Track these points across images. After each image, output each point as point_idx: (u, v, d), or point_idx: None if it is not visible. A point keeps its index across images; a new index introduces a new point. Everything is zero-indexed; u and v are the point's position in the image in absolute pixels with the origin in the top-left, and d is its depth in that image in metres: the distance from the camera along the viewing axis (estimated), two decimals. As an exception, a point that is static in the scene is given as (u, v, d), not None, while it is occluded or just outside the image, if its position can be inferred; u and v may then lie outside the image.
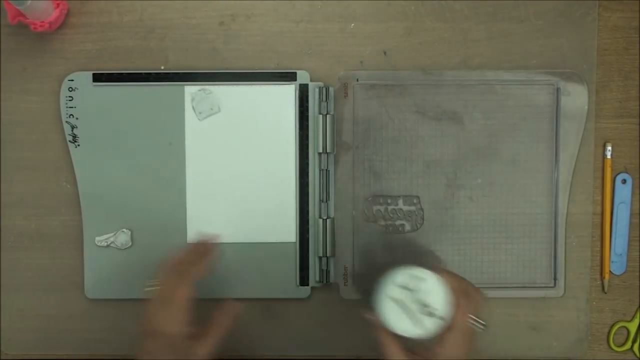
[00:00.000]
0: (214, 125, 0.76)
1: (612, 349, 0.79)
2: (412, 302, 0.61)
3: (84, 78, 0.76)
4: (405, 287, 0.61)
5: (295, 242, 0.76)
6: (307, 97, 0.76)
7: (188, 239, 0.77)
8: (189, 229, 0.76)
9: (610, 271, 0.79)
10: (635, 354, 0.79)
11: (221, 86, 0.76)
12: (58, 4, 0.74)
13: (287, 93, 0.76)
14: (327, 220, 0.76)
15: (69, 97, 0.76)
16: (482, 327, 0.62)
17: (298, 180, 0.76)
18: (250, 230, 0.76)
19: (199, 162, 0.76)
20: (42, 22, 0.73)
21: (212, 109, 0.75)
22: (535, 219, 0.77)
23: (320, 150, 0.76)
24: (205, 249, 0.70)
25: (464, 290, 0.62)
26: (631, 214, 0.78)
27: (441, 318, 0.60)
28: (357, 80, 0.77)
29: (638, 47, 0.78)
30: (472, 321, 0.62)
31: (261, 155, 0.76)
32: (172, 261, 0.66)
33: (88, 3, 0.76)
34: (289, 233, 0.76)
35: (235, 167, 0.76)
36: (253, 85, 0.76)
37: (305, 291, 0.77)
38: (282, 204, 0.76)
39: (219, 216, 0.76)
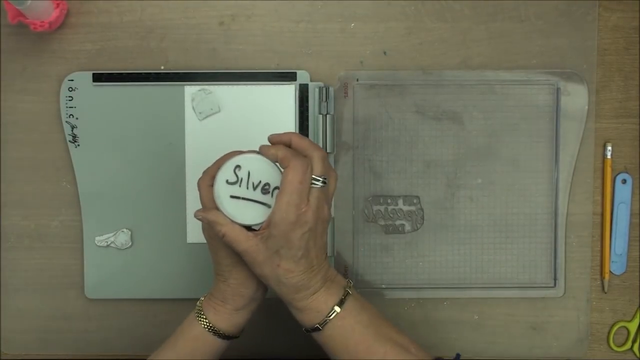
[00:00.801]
0: (214, 125, 0.76)
1: (612, 349, 0.79)
2: (247, 190, 0.59)
3: (84, 78, 0.76)
4: (234, 181, 0.60)
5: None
6: (307, 97, 0.76)
7: (188, 239, 0.77)
8: (188, 229, 0.76)
9: (610, 271, 0.79)
10: (635, 354, 0.79)
11: (221, 86, 0.76)
12: (58, 4, 0.74)
13: (287, 93, 0.76)
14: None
15: (69, 97, 0.76)
16: (323, 184, 0.59)
17: (298, 180, 0.76)
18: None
19: (199, 162, 0.76)
20: (42, 22, 0.73)
21: (212, 109, 0.75)
22: (535, 219, 0.77)
23: (320, 150, 0.76)
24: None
25: (293, 154, 0.58)
26: (631, 214, 0.78)
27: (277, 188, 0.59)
28: (357, 80, 0.77)
29: (638, 47, 0.78)
30: (310, 180, 0.59)
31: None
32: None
33: (88, 3, 0.76)
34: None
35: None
36: (253, 85, 0.76)
37: (305, 291, 0.77)
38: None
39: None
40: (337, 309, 0.61)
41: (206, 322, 0.64)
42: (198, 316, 0.64)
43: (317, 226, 0.59)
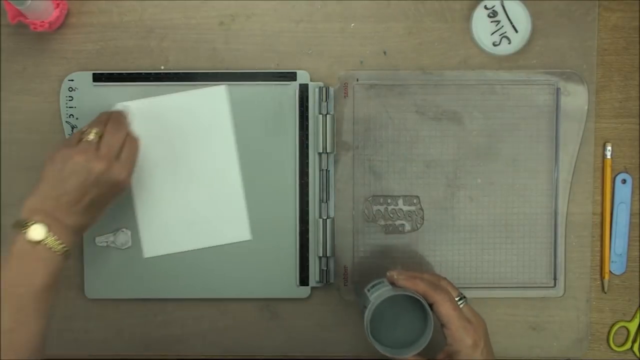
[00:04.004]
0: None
1: (612, 349, 0.79)
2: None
3: (84, 78, 0.76)
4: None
5: (295, 242, 0.76)
6: (307, 97, 0.76)
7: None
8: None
9: (610, 271, 0.79)
10: (635, 354, 0.79)
11: (221, 86, 0.76)
12: (58, 4, 0.74)
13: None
14: (327, 220, 0.76)
15: (69, 97, 0.76)
16: (465, 300, 0.66)
17: (298, 180, 0.76)
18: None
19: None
20: (42, 22, 0.73)
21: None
22: (535, 219, 0.77)
23: (320, 150, 0.76)
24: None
25: (432, 287, 0.64)
26: (631, 214, 0.78)
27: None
28: (357, 80, 0.77)
29: (638, 47, 0.78)
30: (458, 303, 0.65)
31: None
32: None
33: (88, 3, 0.76)
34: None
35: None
36: (253, 85, 0.76)
37: (305, 291, 0.77)
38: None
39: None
40: None
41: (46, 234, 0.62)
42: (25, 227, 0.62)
43: (486, 331, 0.66)
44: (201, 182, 0.75)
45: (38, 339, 0.62)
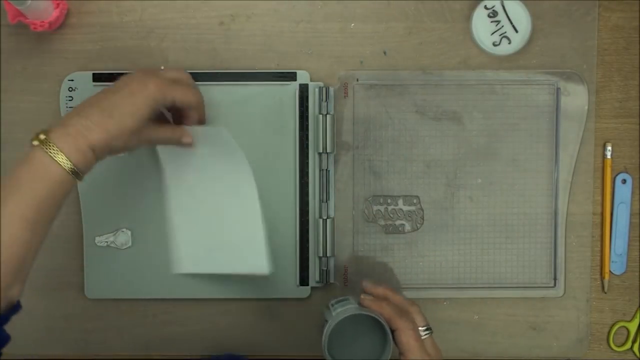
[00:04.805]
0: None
1: (612, 349, 0.79)
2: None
3: (84, 78, 0.76)
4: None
5: (295, 242, 0.76)
6: (307, 97, 0.76)
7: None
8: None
9: (610, 271, 0.79)
10: (635, 354, 0.79)
11: (221, 86, 0.76)
12: (58, 4, 0.74)
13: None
14: (327, 220, 0.76)
15: (69, 97, 0.76)
16: (430, 332, 0.65)
17: (298, 180, 0.76)
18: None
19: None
20: (42, 22, 0.73)
21: None
22: (535, 219, 0.77)
23: (320, 150, 0.76)
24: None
25: (398, 313, 0.64)
26: (631, 214, 0.78)
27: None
28: (357, 80, 0.77)
29: (638, 47, 0.78)
30: (421, 334, 0.64)
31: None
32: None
33: (88, 3, 0.76)
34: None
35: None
36: (253, 85, 0.76)
37: (305, 291, 0.77)
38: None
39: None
40: None
41: (59, 155, 0.58)
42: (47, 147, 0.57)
43: None
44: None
45: (22, 255, 0.56)
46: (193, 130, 0.68)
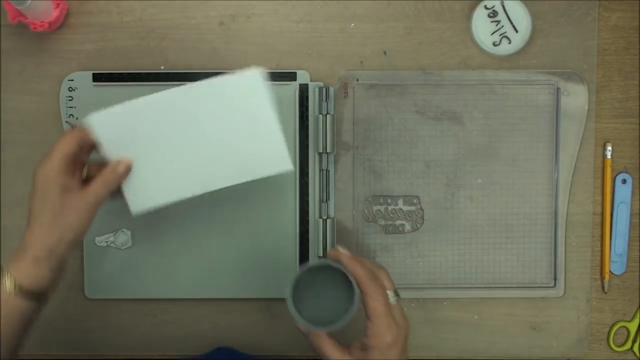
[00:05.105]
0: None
1: (612, 349, 0.79)
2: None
3: (84, 78, 0.76)
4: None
5: (295, 242, 0.76)
6: (307, 97, 0.76)
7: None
8: (189, 229, 0.76)
9: (610, 271, 0.79)
10: (635, 354, 0.79)
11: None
12: (58, 4, 0.74)
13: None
14: (327, 220, 0.76)
15: (69, 97, 0.76)
16: (398, 298, 0.63)
17: (298, 180, 0.76)
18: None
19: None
20: (42, 22, 0.73)
21: None
22: (535, 219, 0.77)
23: (320, 150, 0.76)
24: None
25: (369, 276, 0.61)
26: (631, 214, 0.78)
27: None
28: (357, 80, 0.77)
29: (638, 47, 0.78)
30: (390, 299, 0.62)
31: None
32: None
33: (88, 3, 0.76)
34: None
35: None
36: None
37: (305, 291, 0.77)
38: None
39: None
40: None
41: (7, 279, 0.59)
42: None
43: (407, 335, 0.62)
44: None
45: None
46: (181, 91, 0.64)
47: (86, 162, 0.64)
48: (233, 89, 0.65)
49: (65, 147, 0.61)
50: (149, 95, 0.63)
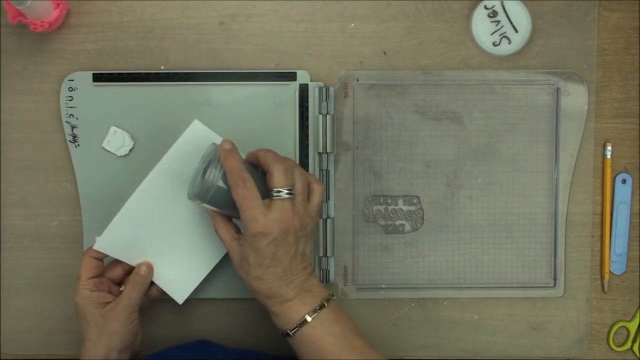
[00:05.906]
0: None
1: (612, 349, 0.79)
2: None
3: (84, 78, 0.76)
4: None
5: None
6: (307, 97, 0.76)
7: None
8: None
9: (610, 271, 0.79)
10: (635, 354, 0.79)
11: (221, 86, 0.76)
12: (58, 4, 0.74)
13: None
14: (327, 220, 0.76)
15: (69, 97, 0.76)
16: (287, 194, 0.62)
17: (298, 180, 0.76)
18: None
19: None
20: (42, 22, 0.73)
21: (124, 144, 0.75)
22: (535, 219, 0.77)
23: (320, 150, 0.76)
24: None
25: (243, 169, 0.63)
26: (631, 214, 0.78)
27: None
28: (357, 80, 0.77)
29: (638, 47, 0.78)
30: (274, 194, 0.62)
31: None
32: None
33: (88, 3, 0.76)
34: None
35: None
36: (253, 85, 0.76)
37: (305, 291, 0.76)
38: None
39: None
40: (308, 318, 0.62)
41: None
42: None
43: (287, 237, 0.62)
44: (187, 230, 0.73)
45: None
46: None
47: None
48: (187, 145, 0.70)
49: (84, 272, 0.68)
50: (133, 195, 0.69)
